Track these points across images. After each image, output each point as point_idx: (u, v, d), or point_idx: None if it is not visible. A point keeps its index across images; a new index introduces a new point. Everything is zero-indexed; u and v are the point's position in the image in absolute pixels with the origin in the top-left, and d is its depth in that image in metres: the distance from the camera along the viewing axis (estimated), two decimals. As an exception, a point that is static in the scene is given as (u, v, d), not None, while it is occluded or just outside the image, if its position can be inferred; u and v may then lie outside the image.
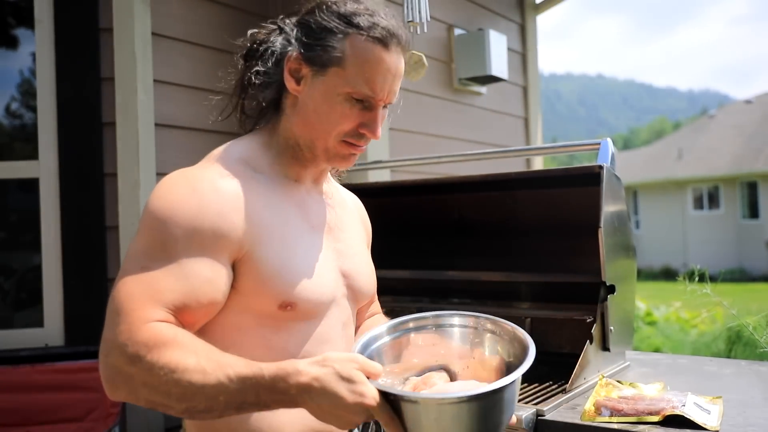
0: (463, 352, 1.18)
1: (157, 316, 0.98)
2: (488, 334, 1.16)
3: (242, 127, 1.27)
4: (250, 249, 1.09)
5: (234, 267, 1.09)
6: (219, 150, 1.19)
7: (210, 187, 1.09)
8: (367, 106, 1.16)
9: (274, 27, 1.22)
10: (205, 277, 1.04)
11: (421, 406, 0.95)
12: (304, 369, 0.94)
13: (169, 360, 0.93)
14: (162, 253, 1.03)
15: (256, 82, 1.19)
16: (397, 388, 1.09)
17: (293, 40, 1.18)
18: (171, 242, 1.03)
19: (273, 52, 1.18)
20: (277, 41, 1.19)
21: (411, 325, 1.19)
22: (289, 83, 1.18)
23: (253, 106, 1.23)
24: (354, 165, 1.29)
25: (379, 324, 1.41)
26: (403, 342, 1.18)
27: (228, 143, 1.21)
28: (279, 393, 0.93)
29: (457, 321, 1.19)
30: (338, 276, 1.24)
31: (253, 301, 1.10)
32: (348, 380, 0.94)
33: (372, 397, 0.94)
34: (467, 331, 1.18)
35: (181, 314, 1.02)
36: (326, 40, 1.15)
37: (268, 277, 1.10)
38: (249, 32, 1.24)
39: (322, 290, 1.18)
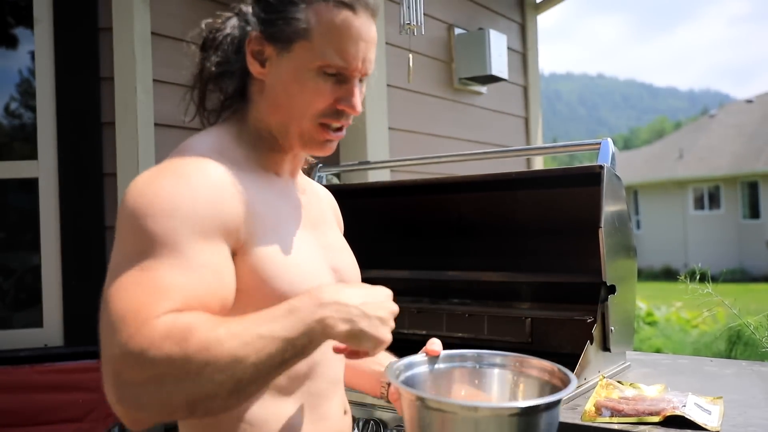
0: (504, 392, 1.13)
1: (166, 309, 0.83)
2: (528, 376, 1.11)
3: (204, 122, 1.16)
4: (246, 241, 0.98)
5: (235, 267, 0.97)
6: (188, 144, 1.06)
7: (199, 172, 0.96)
8: (341, 79, 1.06)
9: (230, 14, 1.12)
10: (216, 268, 0.91)
11: (449, 414, 0.92)
12: (317, 296, 0.90)
13: (199, 339, 0.79)
14: (160, 250, 0.87)
15: (216, 72, 1.10)
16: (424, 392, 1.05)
17: (251, 19, 1.08)
18: (167, 236, 0.88)
19: (232, 39, 1.09)
20: (235, 25, 1.09)
21: (456, 362, 1.16)
22: (253, 67, 1.08)
23: (215, 99, 1.13)
24: (354, 165, 1.27)
25: None
26: (445, 375, 1.14)
27: (193, 137, 1.08)
28: (303, 324, 0.87)
29: (499, 361, 1.14)
30: (330, 272, 1.15)
31: (252, 302, 0.97)
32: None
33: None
34: (508, 373, 1.13)
35: (199, 307, 0.87)
36: (287, 12, 1.04)
37: (269, 275, 0.99)
38: (203, 22, 1.13)
39: None
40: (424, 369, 1.13)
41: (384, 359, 1.30)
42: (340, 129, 1.10)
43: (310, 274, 1.06)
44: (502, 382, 1.12)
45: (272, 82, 1.08)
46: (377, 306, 0.95)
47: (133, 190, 0.95)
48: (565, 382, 1.00)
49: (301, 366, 1.06)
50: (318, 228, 1.19)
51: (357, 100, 1.07)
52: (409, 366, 1.11)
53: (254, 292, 0.99)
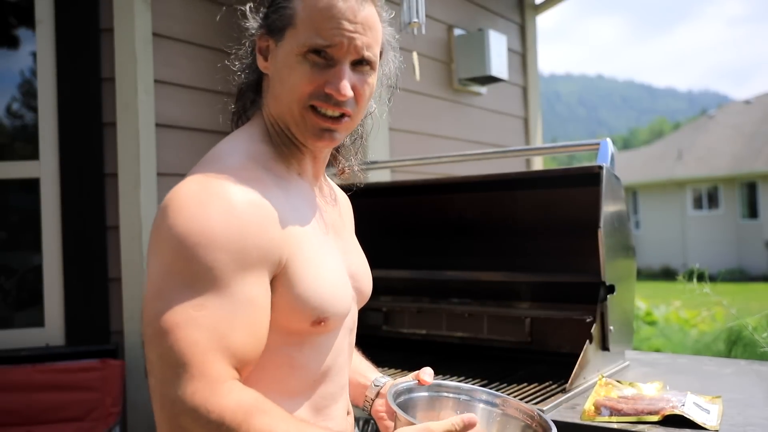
0: (487, 427, 1.19)
1: (230, 372, 0.90)
2: (510, 416, 1.18)
3: (233, 125, 1.19)
4: (286, 263, 1.00)
5: (270, 285, 1.01)
6: (225, 149, 1.08)
7: (244, 199, 0.97)
8: (330, 63, 1.05)
9: (246, 20, 1.16)
10: (260, 304, 0.96)
11: None
12: None
13: (260, 429, 0.87)
14: (210, 285, 0.91)
15: (239, 73, 1.16)
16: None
17: (258, 20, 1.12)
18: (218, 270, 0.92)
19: (249, 43, 1.14)
20: (251, 26, 1.13)
21: (451, 393, 1.22)
22: (260, 62, 1.12)
23: (240, 100, 1.19)
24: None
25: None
26: (437, 404, 1.21)
27: (228, 141, 1.11)
28: None
29: (487, 398, 1.21)
30: (347, 279, 1.16)
31: (283, 319, 1.01)
32: None
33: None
34: (493, 410, 1.20)
35: (246, 357, 0.94)
36: (281, 3, 1.08)
37: (301, 293, 1.01)
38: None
39: (345, 299, 1.11)
40: (421, 394, 1.20)
41: (368, 372, 1.35)
42: (338, 118, 1.08)
43: (336, 288, 1.08)
44: (486, 418, 1.19)
45: (272, 73, 1.11)
46: None
47: (185, 209, 0.95)
48: (545, 428, 1.07)
49: (315, 372, 1.08)
50: (338, 233, 1.20)
51: (344, 83, 1.04)
52: (409, 390, 1.18)
53: (283, 305, 1.01)
